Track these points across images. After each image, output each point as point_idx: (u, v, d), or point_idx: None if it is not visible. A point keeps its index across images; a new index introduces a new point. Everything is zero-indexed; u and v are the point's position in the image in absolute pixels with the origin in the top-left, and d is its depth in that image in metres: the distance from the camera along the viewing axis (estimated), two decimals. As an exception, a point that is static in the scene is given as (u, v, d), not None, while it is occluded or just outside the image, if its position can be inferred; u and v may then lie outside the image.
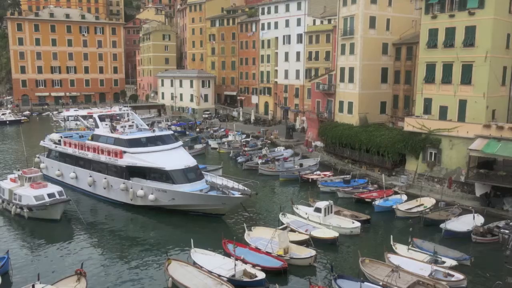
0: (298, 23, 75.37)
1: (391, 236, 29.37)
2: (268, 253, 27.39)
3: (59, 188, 35.95)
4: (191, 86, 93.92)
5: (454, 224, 31.89)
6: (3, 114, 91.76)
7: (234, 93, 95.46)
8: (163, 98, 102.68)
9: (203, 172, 39.08)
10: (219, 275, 24.28)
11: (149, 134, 40.30)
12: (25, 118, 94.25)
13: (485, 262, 27.22)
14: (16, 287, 23.99)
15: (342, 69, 53.58)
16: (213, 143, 64.99)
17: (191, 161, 37.93)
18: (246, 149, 59.38)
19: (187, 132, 75.00)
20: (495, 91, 39.11)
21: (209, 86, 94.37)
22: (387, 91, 53.58)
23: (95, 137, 41.74)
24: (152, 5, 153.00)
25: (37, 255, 28.81)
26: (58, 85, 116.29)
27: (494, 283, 23.05)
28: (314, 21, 74.22)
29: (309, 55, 73.49)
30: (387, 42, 52.39)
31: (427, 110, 42.14)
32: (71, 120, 62.36)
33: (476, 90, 38.54)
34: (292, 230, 31.17)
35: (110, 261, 27.84)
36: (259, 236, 30.09)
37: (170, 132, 44.50)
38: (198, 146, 61.24)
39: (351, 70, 52.01)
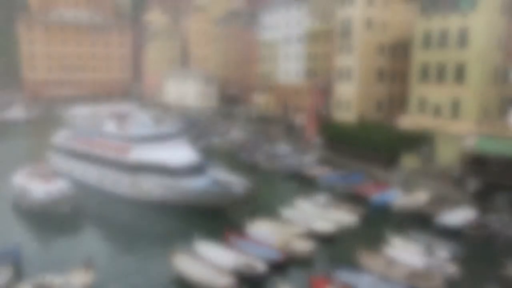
0: (298, 24, 76.24)
1: (387, 229, 30.33)
2: (269, 246, 28.20)
3: (68, 184, 36.89)
4: (195, 85, 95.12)
5: (448, 218, 32.53)
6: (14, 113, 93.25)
7: (237, 92, 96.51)
8: (168, 96, 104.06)
9: (206, 168, 40.07)
10: (222, 267, 25.15)
11: (155, 131, 41.29)
12: (36, 116, 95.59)
13: (477, 255, 28.10)
14: (26, 278, 24.50)
15: (341, 69, 54.49)
16: (216, 140, 66.08)
17: (195, 157, 38.74)
18: (247, 145, 60.39)
19: (191, 130, 75.95)
20: (487, 90, 39.83)
21: (212, 85, 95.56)
22: (383, 90, 54.44)
23: (103, 134, 42.88)
24: (158, 7, 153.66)
25: (46, 248, 29.67)
26: (67, 85, 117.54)
27: (485, 277, 23.57)
28: (314, 22, 74.96)
29: (309, 55, 74.42)
30: (384, 43, 53.17)
31: (421, 108, 43.02)
32: (80, 118, 63.46)
33: (469, 89, 39.32)
34: (292, 224, 32.07)
35: (117, 253, 28.70)
36: (260, 229, 30.88)
37: (175, 129, 45.60)
38: (202, 143, 62.50)
39: (349, 69, 52.86)
